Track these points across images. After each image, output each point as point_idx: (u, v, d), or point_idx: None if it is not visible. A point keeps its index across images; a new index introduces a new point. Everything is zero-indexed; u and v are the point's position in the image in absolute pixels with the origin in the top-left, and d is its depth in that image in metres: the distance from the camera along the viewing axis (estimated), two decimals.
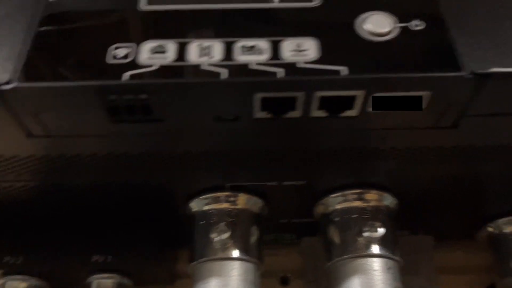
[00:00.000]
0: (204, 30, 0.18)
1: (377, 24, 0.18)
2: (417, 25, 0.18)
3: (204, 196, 0.25)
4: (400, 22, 0.18)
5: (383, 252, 0.23)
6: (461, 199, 0.27)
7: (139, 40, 0.18)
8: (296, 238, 0.31)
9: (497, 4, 0.19)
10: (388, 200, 0.25)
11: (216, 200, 0.25)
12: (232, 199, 0.25)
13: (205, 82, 0.17)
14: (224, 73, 0.17)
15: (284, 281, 0.32)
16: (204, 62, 0.18)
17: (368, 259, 0.23)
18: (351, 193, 0.25)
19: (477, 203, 0.28)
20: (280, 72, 0.17)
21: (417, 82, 0.17)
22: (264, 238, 0.31)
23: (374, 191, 0.25)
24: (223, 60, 0.18)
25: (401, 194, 0.26)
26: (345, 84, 0.17)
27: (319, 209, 0.26)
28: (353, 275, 0.23)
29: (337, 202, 0.25)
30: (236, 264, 0.23)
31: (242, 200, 0.25)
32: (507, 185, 0.26)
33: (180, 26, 0.19)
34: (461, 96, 0.18)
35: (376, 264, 0.23)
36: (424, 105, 0.18)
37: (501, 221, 0.28)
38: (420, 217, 0.29)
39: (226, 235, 0.22)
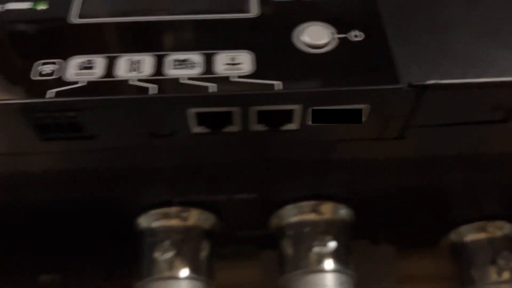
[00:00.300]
0: (135, 44, 0.18)
1: (314, 36, 0.18)
2: (356, 36, 0.18)
3: (153, 212, 0.24)
4: (339, 33, 0.18)
5: (336, 267, 0.22)
6: (420, 208, 0.27)
7: (67, 55, 0.18)
8: (256, 251, 0.30)
9: (438, 16, 0.18)
10: (344, 212, 0.25)
11: (166, 216, 0.24)
12: (183, 214, 0.25)
13: (131, 99, 0.16)
14: (153, 89, 0.17)
15: None
16: (133, 77, 0.17)
17: (320, 274, 0.23)
18: (305, 205, 0.25)
19: (437, 211, 0.28)
20: (213, 86, 0.17)
21: (354, 95, 0.17)
22: (223, 252, 0.30)
23: (329, 203, 0.25)
24: (153, 75, 0.17)
25: (358, 205, 0.25)
26: (280, 98, 0.17)
27: (274, 222, 0.25)
28: None
29: (292, 214, 0.25)
30: (184, 282, 0.23)
31: (194, 216, 0.25)
32: (466, 193, 0.26)
33: (110, 40, 0.18)
34: (401, 108, 0.17)
35: (328, 280, 0.22)
36: (364, 117, 0.18)
37: (462, 228, 0.28)
38: (380, 227, 0.28)
39: (170, 254, 0.21)
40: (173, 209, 0.24)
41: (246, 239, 0.29)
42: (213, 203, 0.24)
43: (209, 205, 0.25)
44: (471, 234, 0.28)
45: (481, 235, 0.27)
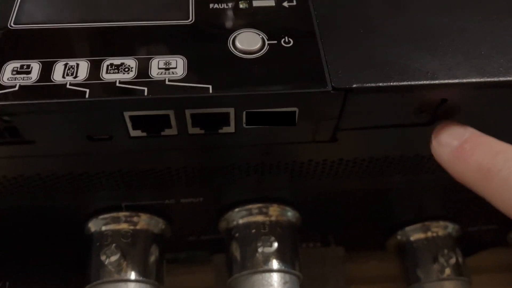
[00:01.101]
0: (71, 49, 0.18)
1: (247, 42, 0.18)
2: (287, 42, 0.19)
3: (102, 217, 0.24)
4: (270, 39, 0.19)
5: (280, 267, 0.23)
6: (366, 210, 0.28)
7: (3, 60, 0.18)
8: (209, 254, 0.31)
9: (366, 24, 0.19)
10: (290, 214, 0.26)
11: (115, 220, 0.25)
12: (132, 219, 0.25)
13: (66, 102, 0.17)
14: (88, 93, 0.17)
15: None
16: (68, 81, 0.17)
17: (265, 274, 0.23)
18: (252, 207, 0.25)
19: (383, 213, 0.29)
20: (146, 90, 0.17)
21: (283, 98, 0.18)
22: (177, 257, 0.31)
23: (276, 206, 0.25)
24: (88, 79, 0.17)
25: (304, 208, 0.26)
26: (211, 101, 0.17)
27: (223, 224, 0.26)
28: None
29: (239, 217, 0.25)
30: (131, 285, 0.23)
31: (142, 221, 0.25)
32: (409, 194, 0.27)
33: (46, 45, 0.18)
34: (329, 111, 0.18)
35: (272, 279, 0.23)
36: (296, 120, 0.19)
37: (408, 229, 0.29)
38: (329, 229, 0.29)
39: (115, 257, 0.22)
40: (122, 214, 0.25)
41: (198, 244, 0.29)
42: (162, 208, 0.25)
43: (157, 210, 0.25)
44: (416, 234, 0.29)
45: (425, 235, 0.28)
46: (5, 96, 0.17)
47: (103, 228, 0.24)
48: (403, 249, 0.29)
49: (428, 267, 0.27)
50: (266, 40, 0.19)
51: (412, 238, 0.29)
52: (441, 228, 0.29)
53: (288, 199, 0.25)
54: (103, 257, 0.22)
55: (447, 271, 0.27)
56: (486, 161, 0.15)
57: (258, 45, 0.18)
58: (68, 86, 0.17)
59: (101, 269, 0.23)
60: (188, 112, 0.18)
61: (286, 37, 0.19)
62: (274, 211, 0.25)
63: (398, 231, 0.29)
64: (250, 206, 0.25)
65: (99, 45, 0.18)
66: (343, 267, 0.30)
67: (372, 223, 0.29)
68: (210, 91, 0.17)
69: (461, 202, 0.27)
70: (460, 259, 0.28)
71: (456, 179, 0.17)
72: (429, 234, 0.28)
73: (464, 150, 0.17)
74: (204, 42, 0.19)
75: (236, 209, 0.25)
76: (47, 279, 0.27)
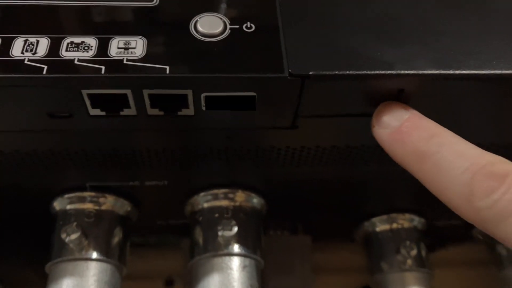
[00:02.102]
0: (32, 26, 0.18)
1: (209, 25, 0.19)
2: (249, 27, 0.19)
3: (68, 196, 0.25)
4: (232, 24, 0.19)
5: (239, 251, 0.23)
6: (333, 199, 0.28)
7: None
8: (180, 239, 0.31)
9: (331, 13, 0.20)
10: (256, 201, 0.26)
11: (81, 200, 0.25)
12: (98, 200, 0.25)
13: (24, 78, 0.17)
14: (46, 69, 0.17)
15: (169, 283, 0.32)
16: (27, 57, 0.17)
17: (225, 257, 0.23)
18: (218, 192, 0.25)
19: (350, 203, 0.29)
20: (104, 69, 0.17)
21: (240, 82, 0.18)
22: (148, 241, 0.31)
23: (241, 191, 0.25)
24: (47, 56, 0.17)
25: (270, 195, 0.26)
26: (168, 82, 0.18)
27: (188, 208, 0.26)
28: (210, 273, 0.23)
29: (205, 201, 0.26)
30: (91, 264, 0.23)
31: (108, 202, 0.25)
32: (376, 185, 0.27)
33: (7, 21, 0.18)
34: (287, 97, 0.19)
35: (232, 263, 0.23)
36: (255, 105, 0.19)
37: (375, 220, 0.30)
38: (296, 217, 0.30)
39: (75, 236, 0.22)
40: (88, 194, 0.25)
41: (167, 228, 0.29)
42: (127, 190, 0.25)
43: (123, 192, 0.25)
44: (382, 225, 0.29)
45: (391, 226, 0.29)
46: None
47: (68, 207, 0.24)
48: (369, 240, 0.30)
49: (391, 258, 0.28)
50: (228, 24, 0.19)
51: (378, 229, 0.29)
52: (406, 221, 0.29)
53: (254, 185, 0.25)
54: (63, 235, 0.22)
55: (409, 262, 0.27)
56: (421, 144, 0.16)
57: (219, 28, 0.19)
58: (26, 61, 0.17)
59: (62, 247, 0.23)
60: (145, 92, 0.18)
61: (248, 23, 0.19)
62: (239, 196, 0.25)
63: (365, 222, 0.30)
64: (215, 191, 0.25)
65: (61, 23, 0.18)
66: (310, 256, 0.30)
67: (340, 213, 0.30)
68: (167, 71, 0.17)
69: (427, 195, 0.27)
70: (422, 252, 0.28)
71: (395, 160, 0.17)
72: (395, 225, 0.29)
73: (401, 132, 0.17)
74: (166, 24, 0.19)
75: (202, 194, 0.25)
76: (15, 257, 0.27)
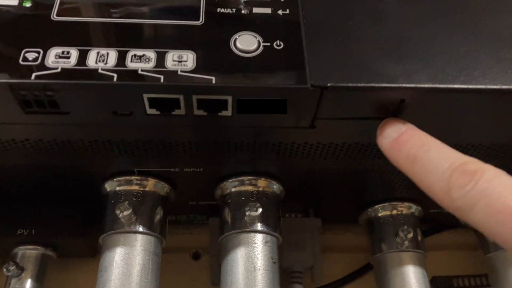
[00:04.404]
0: (102, 40, 0.22)
1: (246, 43, 0.22)
2: (278, 45, 0.23)
3: (117, 179, 0.29)
4: (265, 41, 0.23)
5: (263, 229, 0.28)
6: (342, 188, 0.32)
7: (48, 46, 0.22)
8: (206, 218, 0.35)
9: (348, 31, 0.23)
10: (276, 187, 0.30)
11: (128, 182, 0.29)
12: (142, 182, 0.29)
13: (98, 84, 0.21)
14: (116, 77, 0.21)
15: (196, 255, 0.36)
16: (100, 66, 0.21)
17: (250, 234, 0.28)
18: (244, 179, 0.30)
19: (357, 191, 0.33)
20: (162, 77, 0.21)
21: (270, 91, 0.22)
22: (178, 219, 0.35)
23: (263, 179, 0.30)
24: (116, 66, 0.22)
25: (288, 182, 0.31)
26: (214, 90, 0.22)
27: (218, 192, 0.30)
28: (238, 247, 0.28)
29: (233, 186, 0.30)
30: (139, 236, 0.27)
31: (151, 184, 0.29)
32: (379, 176, 0.31)
33: (82, 36, 0.22)
34: (308, 103, 0.22)
35: (256, 238, 0.28)
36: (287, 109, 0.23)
37: (377, 206, 0.34)
38: (308, 202, 0.34)
39: (127, 212, 0.26)
40: (134, 178, 0.29)
41: (196, 208, 0.34)
42: (168, 174, 0.29)
43: (164, 176, 0.29)
44: (383, 211, 0.33)
45: (391, 213, 0.33)
46: (49, 76, 0.21)
47: (117, 188, 0.29)
48: (372, 224, 0.34)
49: (390, 240, 0.32)
50: (261, 42, 0.23)
51: (379, 214, 0.33)
52: (405, 208, 0.33)
53: (275, 174, 0.30)
54: (117, 211, 0.27)
55: (406, 244, 0.31)
56: (413, 151, 0.20)
57: (254, 46, 0.23)
58: (99, 70, 0.21)
59: (115, 221, 0.28)
60: (194, 97, 0.22)
61: (278, 41, 0.23)
62: (262, 183, 0.30)
63: (369, 208, 0.34)
64: (242, 178, 0.29)
65: (125, 38, 0.22)
66: (320, 236, 0.34)
67: (347, 199, 0.34)
68: (213, 82, 0.21)
69: None
70: (418, 236, 0.32)
71: (393, 164, 0.21)
72: (395, 212, 0.33)
73: (399, 141, 0.21)
74: (211, 41, 0.23)
75: (230, 180, 0.29)
76: (66, 230, 0.32)
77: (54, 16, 0.23)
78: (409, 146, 0.20)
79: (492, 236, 0.17)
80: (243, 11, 0.24)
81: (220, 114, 0.23)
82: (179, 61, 0.22)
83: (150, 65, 0.22)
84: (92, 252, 0.34)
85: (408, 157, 0.20)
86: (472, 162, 0.19)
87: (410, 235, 0.31)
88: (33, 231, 0.31)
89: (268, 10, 0.24)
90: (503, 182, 0.17)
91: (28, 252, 0.31)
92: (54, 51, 0.22)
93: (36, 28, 0.23)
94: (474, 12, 0.25)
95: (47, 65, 0.21)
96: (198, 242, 0.36)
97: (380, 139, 0.22)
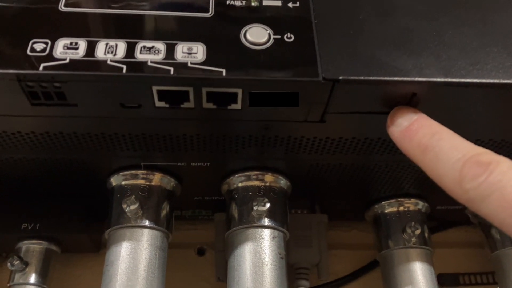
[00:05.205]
0: (111, 31, 0.22)
1: (256, 35, 0.22)
2: (289, 37, 0.22)
3: (123, 173, 0.29)
4: (275, 34, 0.22)
5: (270, 224, 0.27)
6: (349, 184, 0.32)
7: (56, 37, 0.22)
8: (211, 213, 0.35)
9: (358, 25, 0.23)
10: (283, 182, 0.30)
11: (134, 177, 0.29)
12: (148, 176, 0.29)
13: (106, 75, 0.21)
14: (125, 68, 0.21)
15: (200, 251, 0.36)
16: (109, 58, 0.21)
17: (258, 229, 0.28)
18: (251, 174, 0.29)
19: (364, 187, 0.33)
20: (172, 69, 0.21)
21: (281, 84, 0.21)
22: (183, 214, 0.35)
23: (270, 174, 0.29)
24: (125, 57, 0.21)
25: (295, 178, 0.30)
26: (224, 83, 0.21)
27: (224, 187, 0.30)
28: (245, 242, 0.27)
29: (239, 181, 0.30)
30: (145, 231, 0.27)
31: (157, 178, 0.29)
32: (387, 172, 0.31)
33: (91, 27, 0.22)
34: (319, 97, 0.22)
35: (264, 233, 0.27)
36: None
37: (384, 203, 0.34)
38: (315, 198, 0.34)
39: (134, 206, 0.26)
40: (140, 172, 0.29)
41: (202, 203, 0.33)
42: (174, 169, 0.29)
43: (170, 170, 0.29)
44: (390, 208, 0.33)
45: (398, 209, 0.33)
46: (58, 67, 0.21)
47: (123, 182, 0.29)
48: (378, 220, 0.33)
49: (397, 236, 0.32)
50: (272, 34, 0.22)
51: (386, 211, 0.33)
52: (412, 204, 0.33)
53: (282, 169, 0.29)
54: (124, 206, 0.26)
55: (413, 240, 0.31)
56: (425, 140, 0.20)
57: (265, 38, 0.22)
58: (108, 62, 0.21)
59: (121, 216, 0.27)
60: (204, 90, 0.22)
61: (288, 33, 0.23)
62: (269, 178, 0.29)
63: (375, 204, 0.33)
64: (249, 173, 0.29)
65: (134, 29, 0.22)
66: (326, 233, 0.34)
67: (353, 196, 0.33)
68: (224, 74, 0.21)
69: (430, 183, 0.31)
70: (425, 232, 0.32)
71: (404, 153, 0.21)
72: (401, 208, 0.33)
73: (410, 130, 0.21)
74: (221, 33, 0.22)
75: (237, 175, 0.29)
76: (70, 225, 0.31)
77: (62, 7, 0.23)
78: (421, 135, 0.20)
79: (504, 229, 0.17)
80: (252, 4, 0.24)
81: (229, 107, 0.23)
82: (189, 53, 0.22)
83: (160, 57, 0.21)
84: (95, 247, 0.34)
85: (419, 146, 0.20)
86: (486, 153, 0.18)
87: (418, 231, 0.31)
88: (38, 225, 0.30)
89: (278, 3, 0.24)
90: None
91: (32, 247, 0.31)
92: (62, 42, 0.21)
93: (44, 19, 0.22)
94: (485, 5, 0.25)
95: (55, 56, 0.21)
96: (203, 238, 0.36)
97: (391, 128, 0.22)
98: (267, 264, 0.27)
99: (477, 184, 0.18)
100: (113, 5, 0.23)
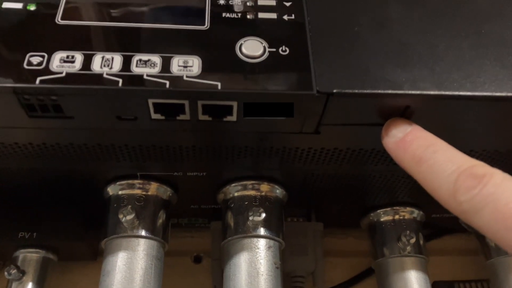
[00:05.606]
0: (107, 44, 0.22)
1: (251, 48, 0.22)
2: (283, 50, 0.23)
3: (119, 183, 0.29)
4: (270, 47, 0.23)
5: (266, 234, 0.28)
6: (345, 193, 0.32)
7: (53, 50, 0.22)
8: (207, 222, 0.35)
9: (353, 38, 0.23)
10: (279, 191, 0.30)
11: (130, 186, 0.29)
12: (145, 186, 0.29)
13: (103, 89, 0.21)
14: (121, 82, 0.21)
15: (197, 259, 0.36)
16: (105, 71, 0.21)
17: (253, 239, 0.28)
18: (247, 183, 0.29)
19: (359, 196, 0.33)
20: (167, 83, 0.21)
21: (276, 97, 0.22)
22: (180, 222, 0.35)
23: (266, 183, 0.29)
24: (121, 71, 0.21)
25: (291, 187, 0.30)
26: (219, 95, 0.21)
27: (220, 196, 0.30)
28: (241, 252, 0.28)
29: (235, 190, 0.30)
30: (142, 241, 0.27)
31: (153, 188, 0.29)
32: (382, 181, 0.31)
33: (87, 40, 0.22)
34: (314, 109, 0.22)
35: (259, 243, 0.28)
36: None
37: (380, 211, 0.34)
38: (310, 207, 0.34)
39: (130, 217, 0.26)
40: (137, 181, 0.29)
41: (198, 212, 0.34)
42: (170, 178, 0.29)
43: (167, 180, 0.29)
44: (385, 216, 0.33)
45: (393, 217, 0.33)
46: (54, 80, 0.21)
47: (120, 192, 0.29)
48: (374, 228, 0.34)
49: (392, 244, 0.32)
50: (267, 47, 0.23)
51: (382, 219, 0.33)
52: (407, 213, 0.33)
53: (278, 179, 0.30)
54: (120, 216, 0.26)
55: (408, 249, 0.31)
56: (419, 152, 0.20)
57: (260, 51, 0.22)
58: (104, 75, 0.21)
59: (117, 225, 0.27)
60: (200, 103, 0.22)
61: (283, 46, 0.23)
62: (265, 187, 0.30)
63: (371, 213, 0.34)
64: (245, 182, 0.29)
65: (130, 42, 0.22)
66: (321, 240, 0.34)
67: (349, 204, 0.34)
68: (219, 87, 0.21)
69: (425, 192, 0.31)
70: (420, 240, 0.32)
71: (398, 164, 0.21)
72: (397, 217, 0.33)
73: (405, 141, 0.21)
74: (216, 46, 0.23)
75: (233, 184, 0.29)
76: (67, 233, 0.32)
77: (59, 20, 0.23)
78: (415, 146, 0.20)
79: (498, 241, 0.17)
80: (248, 16, 0.24)
81: (225, 119, 0.23)
82: (185, 66, 0.22)
83: (156, 70, 0.22)
84: (93, 255, 0.34)
85: (413, 157, 0.20)
86: (480, 166, 0.18)
87: (413, 240, 0.31)
88: (34, 234, 0.30)
89: (273, 15, 0.24)
90: None
91: (29, 256, 0.31)
92: (58, 55, 0.22)
93: (41, 32, 0.23)
94: (479, 18, 0.25)
95: (52, 70, 0.21)
96: (200, 246, 0.36)
97: (386, 139, 0.22)
98: (262, 274, 0.27)
99: (471, 196, 0.18)
100: (109, 18, 0.23)
